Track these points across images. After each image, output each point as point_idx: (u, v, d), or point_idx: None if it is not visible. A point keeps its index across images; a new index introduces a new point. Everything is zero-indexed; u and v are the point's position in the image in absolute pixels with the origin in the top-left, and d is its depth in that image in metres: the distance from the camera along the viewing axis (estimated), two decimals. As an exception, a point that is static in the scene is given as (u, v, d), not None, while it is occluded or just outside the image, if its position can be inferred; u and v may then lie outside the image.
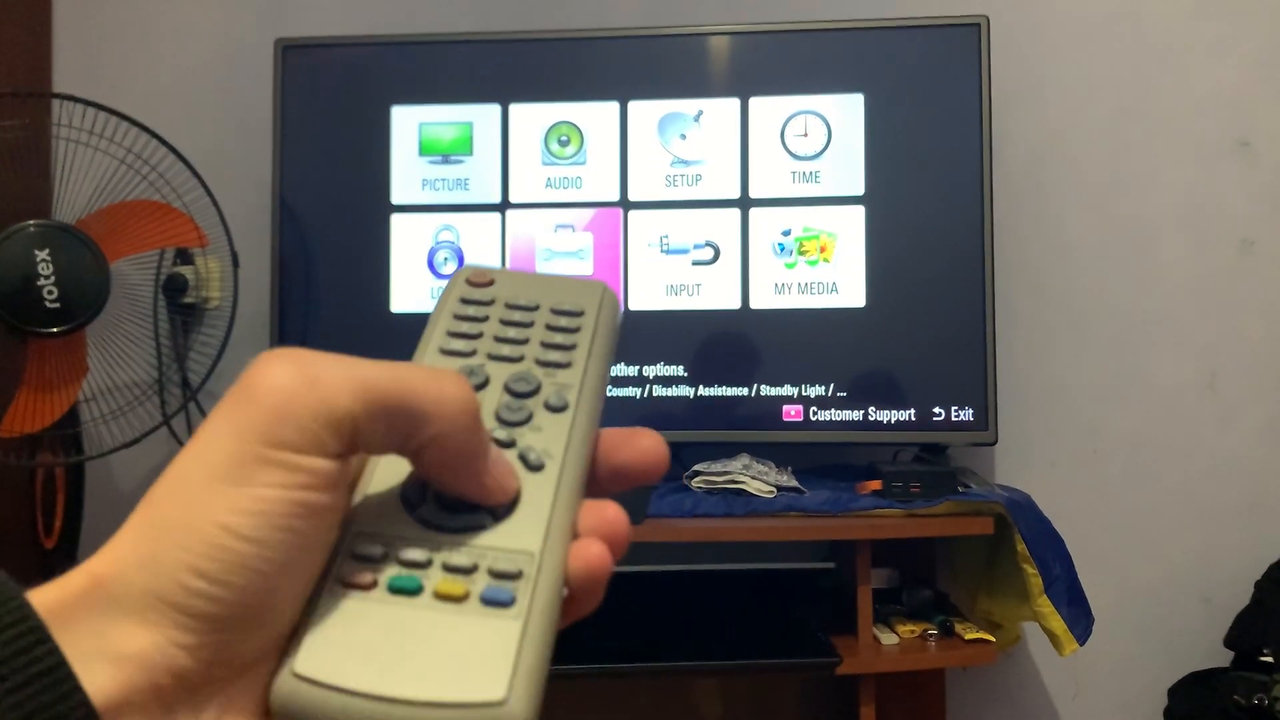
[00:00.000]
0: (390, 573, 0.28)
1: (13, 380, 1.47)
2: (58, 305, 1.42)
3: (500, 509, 0.29)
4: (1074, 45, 1.76)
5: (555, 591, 0.28)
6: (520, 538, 0.28)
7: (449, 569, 0.28)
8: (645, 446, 0.33)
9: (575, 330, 0.34)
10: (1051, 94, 1.76)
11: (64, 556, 1.59)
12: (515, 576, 0.27)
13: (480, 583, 0.27)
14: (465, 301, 0.35)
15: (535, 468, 0.30)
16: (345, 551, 0.28)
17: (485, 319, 0.34)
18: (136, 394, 1.59)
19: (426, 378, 0.28)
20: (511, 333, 0.34)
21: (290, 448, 0.26)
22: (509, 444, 0.31)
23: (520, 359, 0.33)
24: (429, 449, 0.28)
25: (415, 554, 0.28)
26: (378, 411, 0.27)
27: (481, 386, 0.32)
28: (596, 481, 0.32)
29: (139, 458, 1.74)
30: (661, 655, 1.38)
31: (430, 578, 0.27)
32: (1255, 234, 1.73)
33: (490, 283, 0.35)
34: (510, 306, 0.34)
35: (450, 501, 0.29)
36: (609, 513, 0.30)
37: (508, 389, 0.32)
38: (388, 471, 0.30)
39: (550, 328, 0.34)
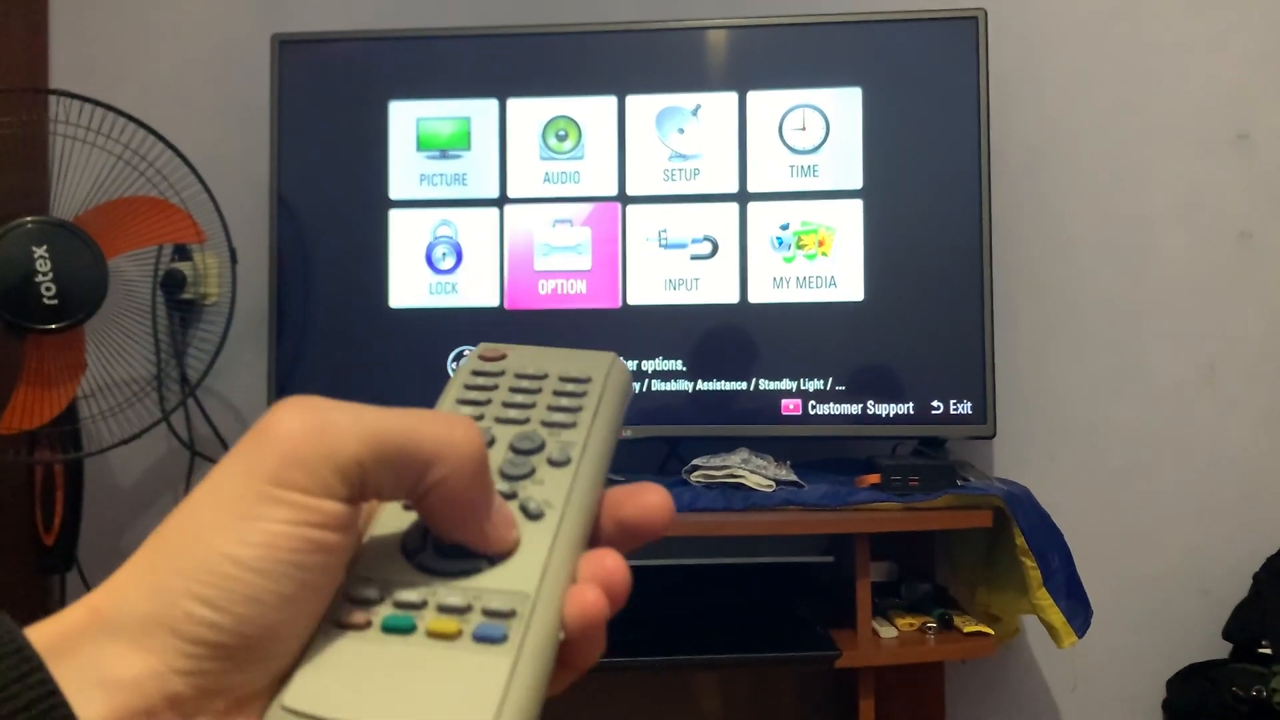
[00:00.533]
0: (384, 613, 0.28)
1: (11, 377, 1.47)
2: (56, 302, 1.42)
3: (498, 556, 0.29)
4: (1072, 39, 1.76)
5: (549, 631, 0.28)
6: (515, 580, 0.29)
7: (443, 609, 0.28)
8: (651, 503, 0.32)
9: (581, 395, 0.35)
10: (1050, 87, 1.76)
11: (63, 553, 1.59)
12: (508, 615, 0.28)
13: (473, 621, 0.28)
14: (476, 373, 0.36)
15: (535, 516, 0.30)
16: (342, 595, 0.29)
17: (495, 388, 0.35)
18: (135, 390, 1.59)
19: (437, 424, 0.29)
20: (519, 398, 0.35)
21: (299, 489, 0.27)
22: (510, 495, 0.31)
23: (526, 421, 0.34)
24: (434, 493, 0.29)
25: (410, 595, 0.28)
26: (386, 459, 0.28)
27: (488, 446, 0.33)
28: (604, 538, 0.33)
29: (137, 454, 1.74)
30: (661, 649, 1.38)
31: (424, 618, 0.28)
32: (1254, 227, 1.73)
33: (502, 357, 0.36)
34: (519, 376, 0.35)
35: (448, 548, 0.30)
36: (608, 561, 0.30)
37: (512, 447, 0.33)
38: (390, 521, 0.31)
39: (557, 393, 0.35)
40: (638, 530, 0.32)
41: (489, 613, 0.28)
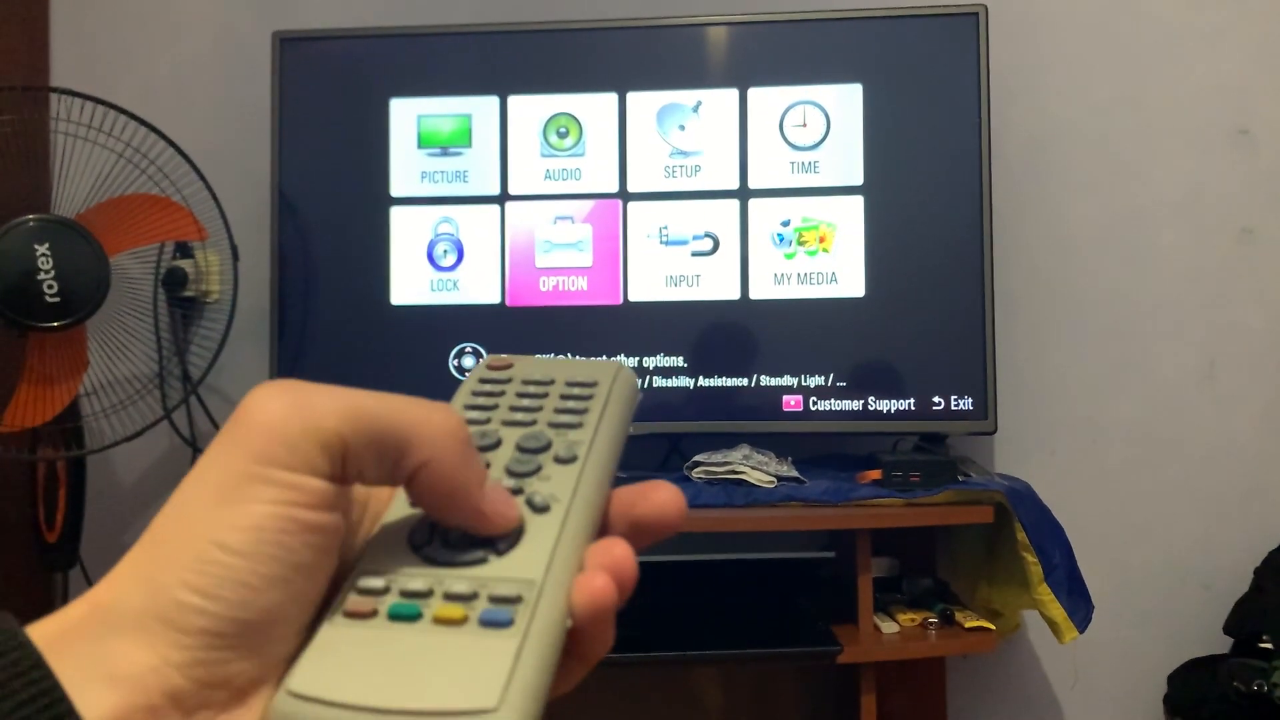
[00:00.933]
0: (391, 601, 0.28)
1: (13, 374, 1.47)
2: (58, 299, 1.42)
3: (504, 545, 0.30)
4: (1072, 34, 1.76)
5: (556, 617, 0.28)
6: (522, 569, 0.29)
7: (449, 597, 0.28)
8: (662, 500, 0.33)
9: (588, 398, 0.35)
10: (1050, 83, 1.76)
11: (66, 550, 1.59)
12: (515, 601, 0.28)
13: (479, 608, 0.28)
14: (484, 381, 0.36)
15: (541, 509, 0.31)
16: (348, 587, 0.29)
17: (502, 394, 0.36)
18: (137, 388, 1.59)
19: (414, 406, 0.29)
20: (526, 402, 0.35)
21: (282, 465, 0.27)
22: (517, 491, 0.31)
23: (533, 423, 0.34)
24: (421, 476, 0.29)
25: (417, 584, 0.29)
26: (366, 433, 0.28)
27: (494, 447, 0.33)
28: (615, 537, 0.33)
29: (140, 451, 1.74)
30: (662, 645, 1.38)
31: (430, 606, 0.28)
32: (1254, 222, 1.73)
33: (509, 366, 0.37)
34: (526, 382, 0.36)
35: (455, 540, 0.30)
36: (616, 550, 0.30)
37: (519, 446, 0.33)
38: (397, 517, 0.31)
39: (564, 396, 0.35)
40: (652, 528, 0.32)
41: (495, 599, 0.28)
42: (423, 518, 0.31)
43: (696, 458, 1.50)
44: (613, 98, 1.61)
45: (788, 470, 1.47)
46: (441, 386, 1.64)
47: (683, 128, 1.60)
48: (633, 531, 0.33)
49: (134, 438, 1.53)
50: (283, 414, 0.28)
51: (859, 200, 1.58)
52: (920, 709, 1.57)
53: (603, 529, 0.32)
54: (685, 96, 1.60)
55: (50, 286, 1.42)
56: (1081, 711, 1.74)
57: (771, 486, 1.43)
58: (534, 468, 0.32)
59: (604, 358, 1.58)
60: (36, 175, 1.56)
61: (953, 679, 1.62)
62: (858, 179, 1.58)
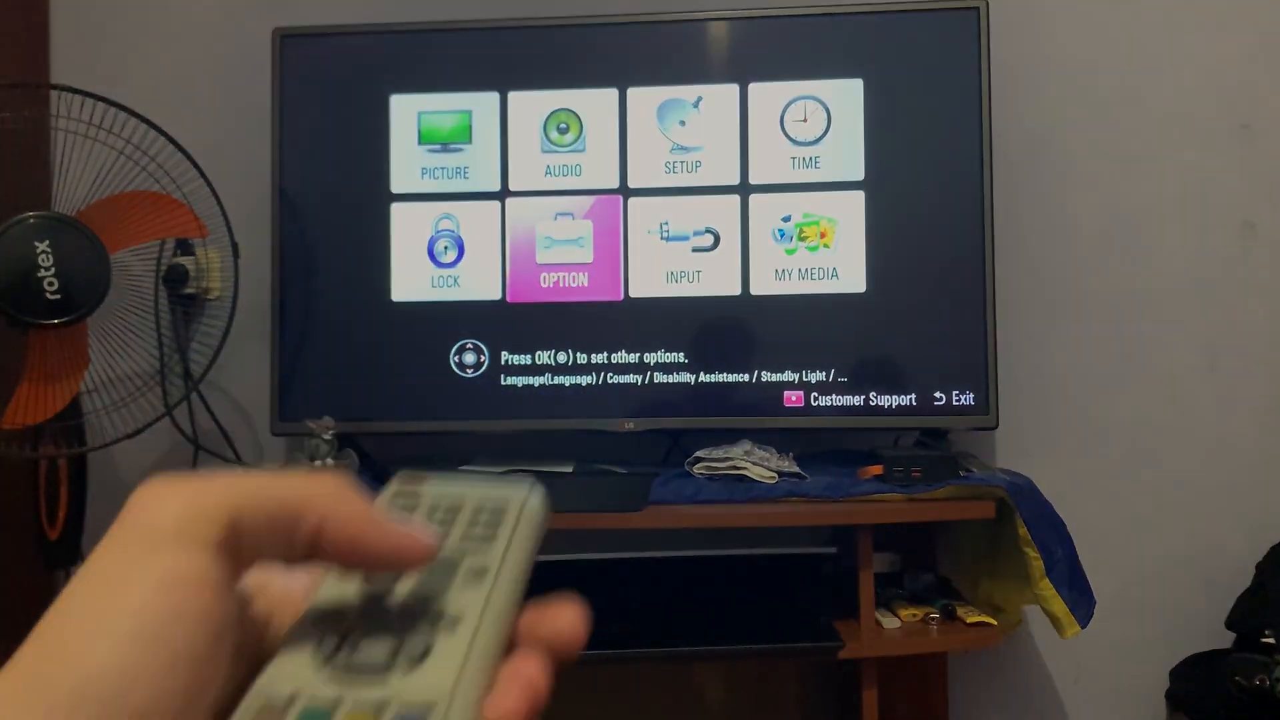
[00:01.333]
0: (299, 710, 0.28)
1: (14, 372, 1.47)
2: (58, 297, 1.42)
3: (415, 656, 0.30)
4: (1073, 28, 1.76)
5: None
6: (433, 679, 0.29)
7: (359, 705, 0.28)
8: (560, 626, 0.32)
9: (499, 517, 0.36)
10: (1051, 77, 1.75)
11: (68, 547, 1.59)
12: (425, 713, 0.28)
13: (390, 714, 0.28)
14: (396, 495, 0.37)
15: (450, 624, 0.31)
16: (254, 696, 0.28)
17: (414, 509, 0.36)
18: (138, 385, 1.59)
19: (299, 476, 0.29)
20: (437, 517, 0.35)
21: (170, 539, 0.27)
22: (425, 607, 0.32)
23: (443, 539, 0.35)
24: (325, 533, 0.29)
25: (326, 692, 0.28)
26: (254, 500, 0.28)
27: None
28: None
29: (141, 448, 1.74)
30: (665, 640, 1.38)
31: (339, 716, 0.28)
32: (1256, 217, 1.73)
33: (422, 482, 0.37)
34: (437, 501, 0.37)
35: (364, 651, 0.30)
36: (529, 668, 0.30)
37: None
38: (304, 631, 0.31)
39: (475, 512, 0.36)
40: (553, 650, 0.32)
41: (405, 709, 0.28)
42: (330, 629, 0.31)
43: (698, 453, 1.50)
44: (613, 93, 1.61)
45: (789, 466, 1.47)
46: (442, 383, 1.64)
47: (683, 123, 1.60)
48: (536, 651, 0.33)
49: (135, 435, 1.53)
50: (169, 496, 0.28)
51: (860, 195, 1.58)
52: (922, 704, 1.57)
53: (510, 647, 0.32)
54: (686, 92, 1.60)
55: (51, 284, 1.42)
56: (1083, 706, 1.74)
57: (773, 482, 1.43)
58: (444, 585, 0.32)
59: (605, 353, 1.59)
60: (37, 172, 1.56)
61: (954, 674, 1.62)
62: (859, 174, 1.58)
